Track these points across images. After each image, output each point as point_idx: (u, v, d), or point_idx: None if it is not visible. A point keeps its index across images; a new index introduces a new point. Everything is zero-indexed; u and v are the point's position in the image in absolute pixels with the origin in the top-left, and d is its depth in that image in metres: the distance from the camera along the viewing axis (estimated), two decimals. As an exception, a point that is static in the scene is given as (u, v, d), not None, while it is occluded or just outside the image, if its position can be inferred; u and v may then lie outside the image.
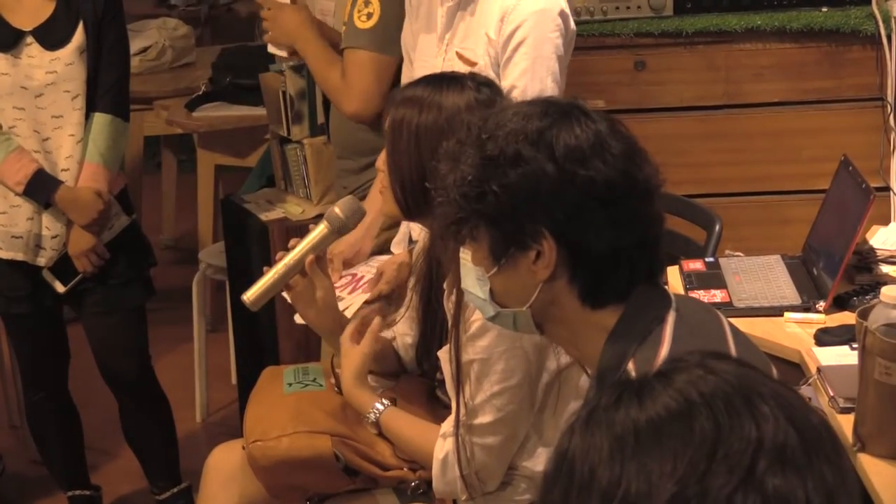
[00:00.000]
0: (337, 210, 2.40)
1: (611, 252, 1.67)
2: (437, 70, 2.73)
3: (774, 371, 1.72)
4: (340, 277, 2.85)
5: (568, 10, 2.75)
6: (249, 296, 2.39)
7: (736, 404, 0.93)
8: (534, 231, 1.67)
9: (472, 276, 1.77)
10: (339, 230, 2.42)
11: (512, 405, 2.15)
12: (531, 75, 2.64)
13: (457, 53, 2.75)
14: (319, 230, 2.40)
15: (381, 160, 2.36)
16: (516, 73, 2.64)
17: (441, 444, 2.21)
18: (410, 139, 2.24)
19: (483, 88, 2.26)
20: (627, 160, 1.67)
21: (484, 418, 2.16)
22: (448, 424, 2.21)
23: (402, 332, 2.54)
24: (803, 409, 0.95)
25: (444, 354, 2.22)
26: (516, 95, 2.60)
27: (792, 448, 0.91)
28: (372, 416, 2.34)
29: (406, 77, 2.91)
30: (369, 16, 2.99)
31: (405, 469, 2.38)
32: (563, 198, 1.65)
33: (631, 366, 1.63)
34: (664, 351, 1.63)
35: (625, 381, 0.99)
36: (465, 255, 1.78)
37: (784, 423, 0.93)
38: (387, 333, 2.54)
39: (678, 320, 1.68)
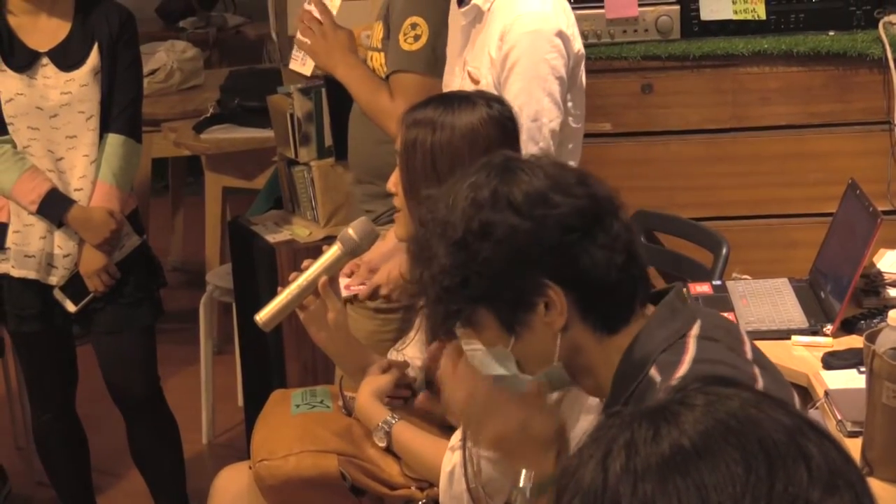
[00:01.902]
0: (350, 231, 2.40)
1: (609, 272, 1.66)
2: (457, 88, 2.73)
3: (793, 391, 1.73)
4: (361, 284, 2.84)
5: (570, 32, 2.70)
6: (262, 316, 2.39)
7: (779, 442, 0.92)
8: (533, 286, 1.64)
9: (490, 359, 1.72)
10: (353, 251, 2.41)
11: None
12: (527, 96, 2.62)
13: (468, 71, 2.75)
14: (333, 251, 2.40)
15: (393, 181, 2.36)
16: (511, 93, 2.63)
17: (449, 456, 2.21)
18: (426, 158, 2.25)
19: (494, 104, 2.27)
20: (584, 185, 1.67)
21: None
22: (456, 437, 2.21)
23: (412, 355, 2.54)
24: (824, 430, 0.95)
25: None
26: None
27: (834, 470, 0.91)
28: (384, 428, 2.34)
29: None
30: (416, 38, 2.98)
31: (413, 488, 2.38)
32: (544, 243, 1.63)
33: (654, 371, 1.62)
34: (688, 357, 1.62)
35: (648, 410, 0.96)
36: (471, 346, 1.73)
37: (824, 444, 0.92)
38: (397, 356, 2.55)
39: (702, 331, 1.67)
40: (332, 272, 2.40)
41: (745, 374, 1.64)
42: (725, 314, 2.72)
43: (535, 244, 1.63)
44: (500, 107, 2.28)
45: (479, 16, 2.74)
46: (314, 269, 2.38)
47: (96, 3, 3.22)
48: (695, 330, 1.67)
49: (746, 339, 1.75)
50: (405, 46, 2.98)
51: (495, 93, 2.64)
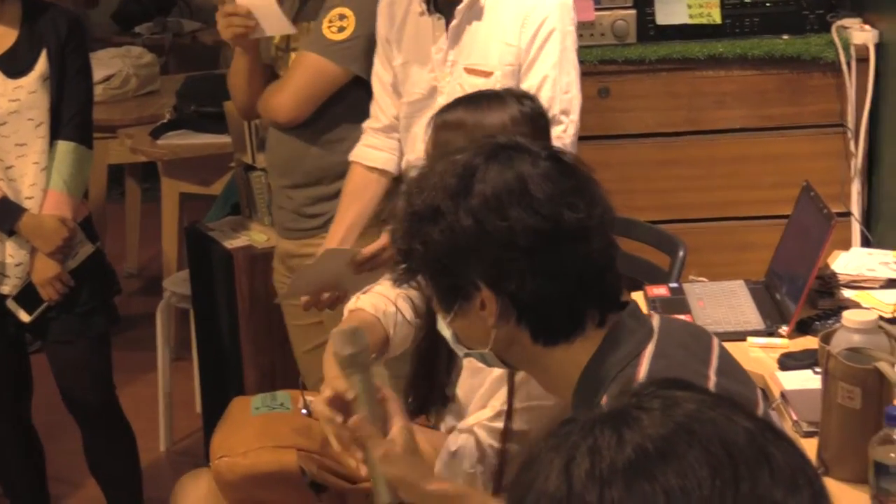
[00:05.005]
0: (351, 350, 1.92)
1: (549, 295, 1.64)
2: (441, 94, 2.69)
3: (759, 394, 1.73)
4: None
5: None
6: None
7: (741, 444, 0.92)
8: (468, 283, 1.65)
9: (440, 319, 1.77)
10: (364, 365, 1.94)
11: (539, 424, 2.15)
12: (560, 68, 2.61)
13: (465, 69, 2.69)
14: (358, 386, 1.92)
15: None
16: (548, 65, 2.61)
17: (455, 437, 2.20)
18: None
19: (525, 101, 2.24)
20: (554, 204, 1.62)
21: (510, 425, 2.16)
22: (472, 420, 2.20)
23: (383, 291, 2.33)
24: (781, 431, 0.95)
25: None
26: (548, 87, 2.58)
27: (795, 469, 0.91)
28: None
29: (400, 109, 2.83)
30: (341, 29, 2.94)
31: None
32: (484, 250, 1.63)
33: (604, 401, 1.61)
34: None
35: (607, 415, 0.96)
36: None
37: (783, 445, 0.92)
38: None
39: (656, 354, 1.66)
40: (374, 398, 1.92)
41: (697, 380, 1.64)
42: (682, 316, 2.74)
43: (475, 248, 1.63)
44: (532, 103, 2.25)
45: (475, 10, 2.67)
46: (362, 416, 1.89)
47: (44, 9, 3.19)
48: (649, 350, 1.66)
49: (716, 345, 1.75)
50: (327, 34, 2.94)
51: (510, 82, 2.60)
